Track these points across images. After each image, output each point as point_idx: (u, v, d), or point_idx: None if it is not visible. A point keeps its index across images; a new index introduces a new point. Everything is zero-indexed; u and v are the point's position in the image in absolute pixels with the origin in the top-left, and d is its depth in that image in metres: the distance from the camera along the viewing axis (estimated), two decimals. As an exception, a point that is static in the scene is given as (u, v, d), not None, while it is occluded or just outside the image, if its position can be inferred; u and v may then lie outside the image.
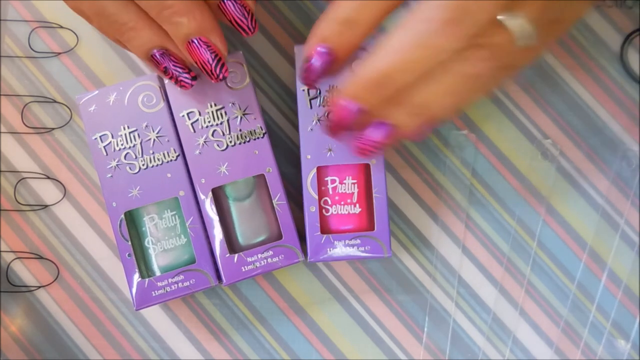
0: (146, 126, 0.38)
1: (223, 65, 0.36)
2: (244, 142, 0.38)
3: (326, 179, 0.39)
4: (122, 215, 0.38)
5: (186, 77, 0.36)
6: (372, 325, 0.43)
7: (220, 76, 0.36)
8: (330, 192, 0.39)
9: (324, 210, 0.39)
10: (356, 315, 0.43)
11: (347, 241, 0.38)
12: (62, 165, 0.43)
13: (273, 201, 0.38)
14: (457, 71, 0.31)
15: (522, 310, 0.43)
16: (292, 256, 0.38)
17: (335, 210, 0.39)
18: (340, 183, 0.39)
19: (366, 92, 0.32)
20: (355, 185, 0.39)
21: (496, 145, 0.44)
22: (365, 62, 0.32)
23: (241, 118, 0.39)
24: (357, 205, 0.39)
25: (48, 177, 0.43)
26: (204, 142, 0.38)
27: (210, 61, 0.35)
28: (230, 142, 0.38)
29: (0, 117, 0.44)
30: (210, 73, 0.36)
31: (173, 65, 0.36)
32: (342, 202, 0.39)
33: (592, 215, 0.43)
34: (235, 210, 0.39)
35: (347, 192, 0.39)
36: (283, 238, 0.38)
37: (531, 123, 0.44)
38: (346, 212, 0.39)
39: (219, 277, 0.38)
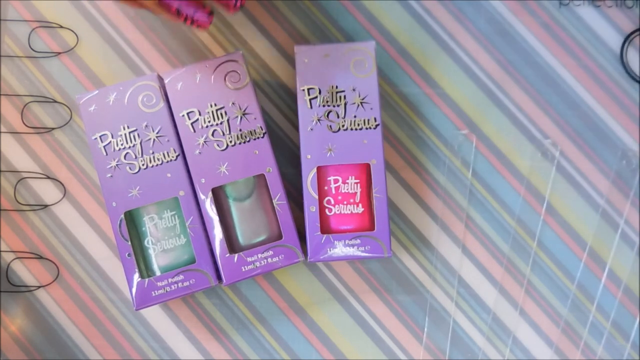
0: (146, 126, 0.38)
1: None
2: (244, 142, 0.38)
3: (329, 178, 0.39)
4: (122, 215, 0.38)
5: (202, 15, 0.34)
6: (372, 325, 0.43)
7: (238, 4, 0.34)
8: (333, 191, 0.39)
9: (326, 210, 0.39)
10: (356, 315, 0.43)
11: (347, 241, 0.38)
12: (62, 165, 0.43)
13: (273, 201, 0.38)
14: None
15: (522, 310, 0.43)
16: (292, 256, 0.38)
17: (338, 210, 0.39)
18: (344, 183, 0.39)
19: None
20: (358, 185, 0.39)
21: (496, 145, 0.44)
22: None
23: (241, 118, 0.39)
24: (360, 205, 0.39)
25: (48, 177, 0.43)
26: (204, 142, 0.38)
27: None
28: (231, 142, 0.38)
29: (0, 117, 0.44)
30: (226, 3, 0.34)
31: (185, 4, 0.34)
32: (345, 202, 0.39)
33: (592, 215, 0.43)
34: (235, 210, 0.39)
35: (350, 191, 0.39)
36: (283, 238, 0.38)
37: (531, 123, 0.44)
38: (349, 212, 0.39)
39: (219, 277, 0.38)
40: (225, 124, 0.38)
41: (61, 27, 0.44)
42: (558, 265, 0.43)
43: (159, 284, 0.38)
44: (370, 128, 0.39)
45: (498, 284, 0.43)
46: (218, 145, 0.38)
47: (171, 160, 0.38)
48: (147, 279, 0.38)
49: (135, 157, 0.38)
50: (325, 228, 0.39)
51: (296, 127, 0.43)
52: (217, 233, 0.38)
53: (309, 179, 0.39)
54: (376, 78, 0.39)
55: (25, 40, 0.44)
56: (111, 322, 0.43)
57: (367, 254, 0.38)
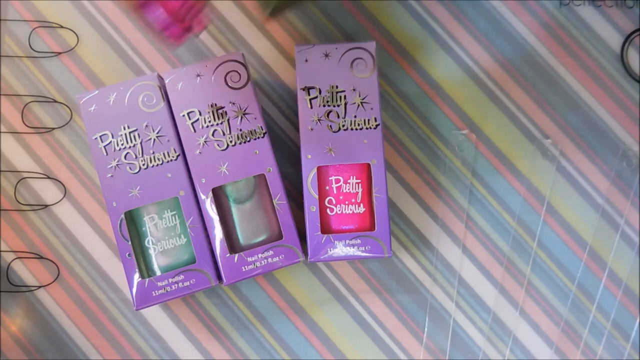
0: (146, 126, 0.38)
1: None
2: (244, 142, 0.38)
3: (330, 178, 0.39)
4: (122, 215, 0.38)
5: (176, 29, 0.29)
6: (372, 325, 0.43)
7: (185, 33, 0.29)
8: (335, 191, 0.39)
9: (328, 210, 0.39)
10: (356, 315, 0.43)
11: (347, 241, 0.38)
12: (62, 165, 0.43)
13: (273, 201, 0.38)
14: None
15: (522, 310, 0.43)
16: (293, 256, 0.38)
17: (339, 210, 0.39)
18: (345, 182, 0.39)
19: None
20: (359, 184, 0.39)
21: (496, 145, 0.44)
22: None
23: (241, 118, 0.39)
24: (361, 205, 0.39)
25: (48, 177, 0.43)
26: (204, 141, 0.38)
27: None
28: (231, 141, 0.38)
29: (0, 117, 0.44)
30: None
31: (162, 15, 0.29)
32: (347, 202, 0.39)
33: (592, 215, 0.43)
34: (235, 211, 0.39)
35: (352, 191, 0.39)
36: (283, 238, 0.38)
37: (531, 123, 0.44)
38: (350, 212, 0.39)
39: (219, 277, 0.38)
40: (226, 123, 0.38)
41: (61, 27, 0.44)
42: (558, 265, 0.43)
43: (159, 284, 0.38)
44: (370, 128, 0.39)
45: (498, 284, 0.43)
46: (218, 145, 0.38)
47: (171, 160, 0.38)
48: (147, 279, 0.38)
49: (136, 157, 0.38)
50: (325, 228, 0.39)
51: (296, 127, 0.43)
52: (217, 233, 0.38)
53: (309, 178, 0.39)
54: (376, 78, 0.39)
55: (25, 40, 0.44)
56: (111, 322, 0.43)
57: (367, 254, 0.38)
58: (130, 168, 0.38)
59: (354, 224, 0.39)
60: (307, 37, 0.44)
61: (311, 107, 0.39)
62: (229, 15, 0.44)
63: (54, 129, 0.44)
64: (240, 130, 0.38)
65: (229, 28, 0.44)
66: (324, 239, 0.38)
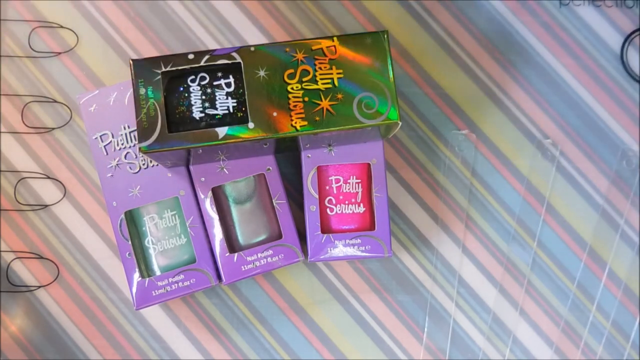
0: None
1: None
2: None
3: (330, 178, 0.39)
4: (123, 215, 0.38)
5: None
6: (372, 325, 0.43)
7: None
8: (335, 191, 0.39)
9: (328, 210, 0.39)
10: (356, 315, 0.43)
11: (347, 241, 0.38)
12: (62, 165, 0.43)
13: (273, 201, 0.38)
14: None
15: (522, 310, 0.43)
16: (292, 255, 0.38)
17: (339, 210, 0.39)
18: (345, 182, 0.39)
19: None
20: (360, 184, 0.39)
21: (496, 145, 0.44)
22: None
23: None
24: (361, 204, 0.39)
25: (48, 177, 0.43)
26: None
27: None
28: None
29: (0, 117, 0.44)
30: None
31: None
32: (347, 202, 0.39)
33: (592, 215, 0.43)
34: (235, 211, 0.39)
35: (352, 191, 0.39)
36: (283, 237, 0.38)
37: (531, 123, 0.44)
38: (350, 212, 0.39)
39: (219, 277, 0.38)
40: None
41: (61, 27, 0.44)
42: (558, 265, 0.43)
43: (159, 283, 0.38)
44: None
45: (498, 284, 0.43)
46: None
47: (171, 160, 0.38)
48: (147, 279, 0.38)
49: (136, 157, 0.38)
50: (325, 228, 0.39)
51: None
52: (217, 232, 0.38)
53: (309, 178, 0.39)
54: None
55: (25, 40, 0.44)
56: (111, 322, 0.43)
57: (367, 254, 0.38)
58: (130, 168, 0.38)
59: (354, 224, 0.39)
60: (307, 37, 0.44)
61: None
62: (227, 14, 0.44)
63: (54, 129, 0.44)
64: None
65: (229, 28, 0.44)
66: (324, 238, 0.38)
